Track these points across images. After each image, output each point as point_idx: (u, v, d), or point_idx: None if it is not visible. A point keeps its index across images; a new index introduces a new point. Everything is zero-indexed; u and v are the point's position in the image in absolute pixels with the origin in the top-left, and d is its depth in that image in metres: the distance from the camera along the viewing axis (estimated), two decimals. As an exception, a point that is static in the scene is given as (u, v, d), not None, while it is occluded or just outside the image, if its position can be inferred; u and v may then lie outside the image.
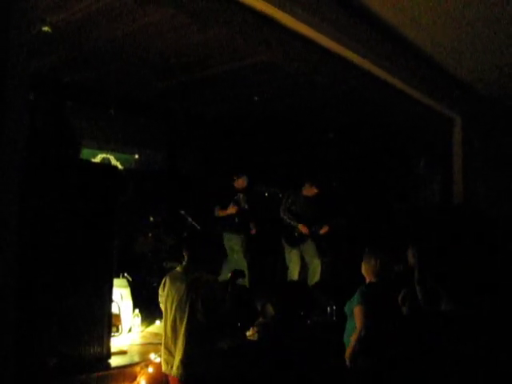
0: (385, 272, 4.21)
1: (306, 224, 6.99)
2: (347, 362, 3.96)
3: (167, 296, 3.78)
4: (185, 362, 3.54)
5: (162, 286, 3.89)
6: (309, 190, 7.18)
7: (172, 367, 3.60)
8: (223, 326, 3.86)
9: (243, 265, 6.72)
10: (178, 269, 3.89)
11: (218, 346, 3.78)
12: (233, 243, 6.90)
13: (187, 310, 3.61)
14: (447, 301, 1.54)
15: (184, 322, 3.61)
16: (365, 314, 3.95)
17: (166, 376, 3.73)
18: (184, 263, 3.87)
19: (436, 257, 1.55)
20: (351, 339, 3.98)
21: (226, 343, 4.34)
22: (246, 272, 6.50)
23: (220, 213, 7.06)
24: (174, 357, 3.62)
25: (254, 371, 4.38)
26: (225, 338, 4.08)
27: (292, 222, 7.05)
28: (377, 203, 8.53)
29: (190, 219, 6.93)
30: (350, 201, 8.21)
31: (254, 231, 7.13)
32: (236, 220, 6.98)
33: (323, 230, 7.03)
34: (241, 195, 7.15)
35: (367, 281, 4.24)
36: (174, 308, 3.70)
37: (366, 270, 4.24)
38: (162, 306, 3.87)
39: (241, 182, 7.16)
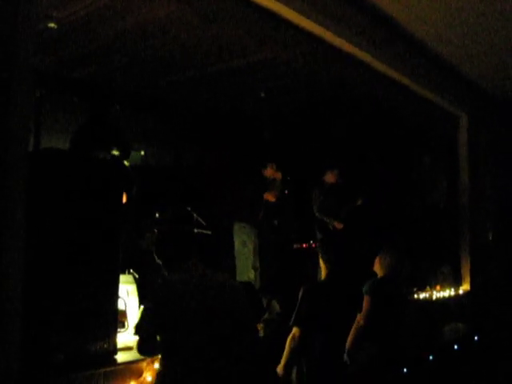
0: (397, 270, 4.21)
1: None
2: (345, 357, 3.96)
3: None
4: None
5: None
6: (330, 177, 7.17)
7: None
8: None
9: (250, 259, 6.55)
10: None
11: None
12: (245, 236, 6.64)
13: None
14: None
15: None
16: (370, 305, 3.94)
17: None
18: None
19: None
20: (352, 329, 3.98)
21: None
22: (253, 267, 6.34)
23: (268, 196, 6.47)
24: None
25: (259, 367, 4.37)
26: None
27: (327, 220, 6.98)
28: (381, 199, 8.48)
29: (195, 215, 6.91)
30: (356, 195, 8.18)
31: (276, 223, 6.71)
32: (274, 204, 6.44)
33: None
34: (275, 181, 6.57)
35: (379, 276, 4.24)
36: None
37: (380, 267, 4.24)
38: None
39: (270, 172, 6.57)
